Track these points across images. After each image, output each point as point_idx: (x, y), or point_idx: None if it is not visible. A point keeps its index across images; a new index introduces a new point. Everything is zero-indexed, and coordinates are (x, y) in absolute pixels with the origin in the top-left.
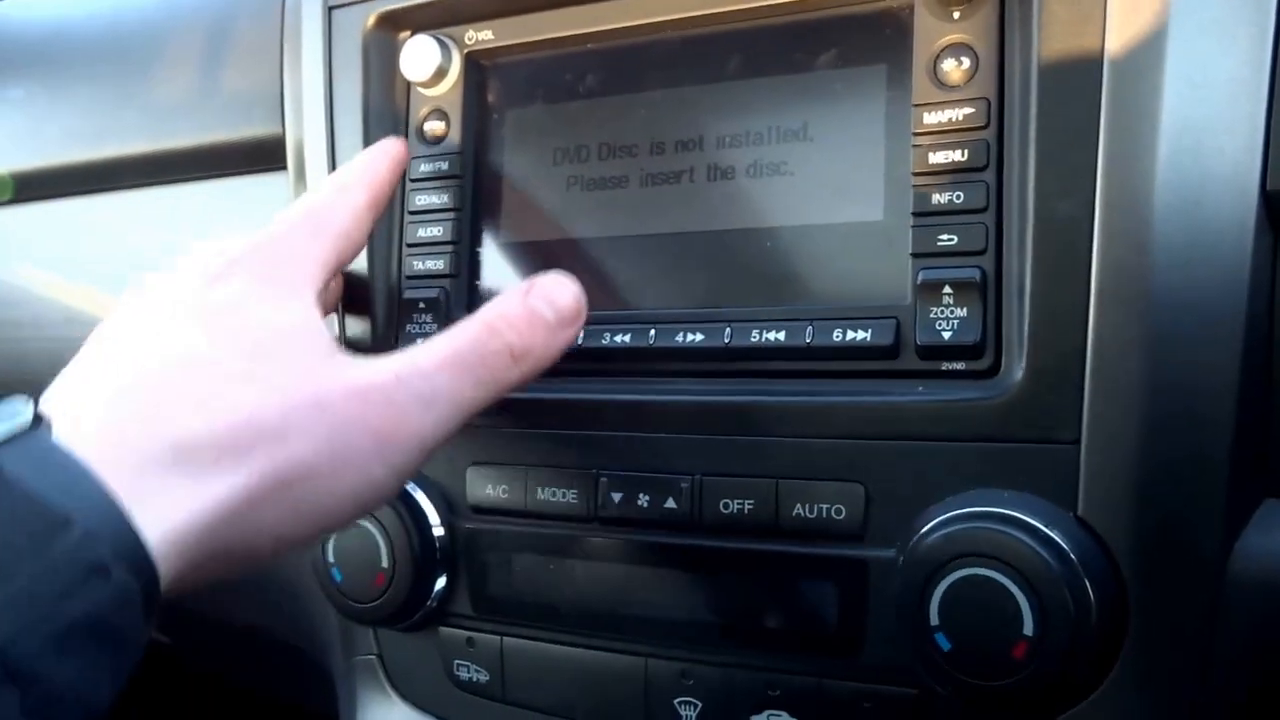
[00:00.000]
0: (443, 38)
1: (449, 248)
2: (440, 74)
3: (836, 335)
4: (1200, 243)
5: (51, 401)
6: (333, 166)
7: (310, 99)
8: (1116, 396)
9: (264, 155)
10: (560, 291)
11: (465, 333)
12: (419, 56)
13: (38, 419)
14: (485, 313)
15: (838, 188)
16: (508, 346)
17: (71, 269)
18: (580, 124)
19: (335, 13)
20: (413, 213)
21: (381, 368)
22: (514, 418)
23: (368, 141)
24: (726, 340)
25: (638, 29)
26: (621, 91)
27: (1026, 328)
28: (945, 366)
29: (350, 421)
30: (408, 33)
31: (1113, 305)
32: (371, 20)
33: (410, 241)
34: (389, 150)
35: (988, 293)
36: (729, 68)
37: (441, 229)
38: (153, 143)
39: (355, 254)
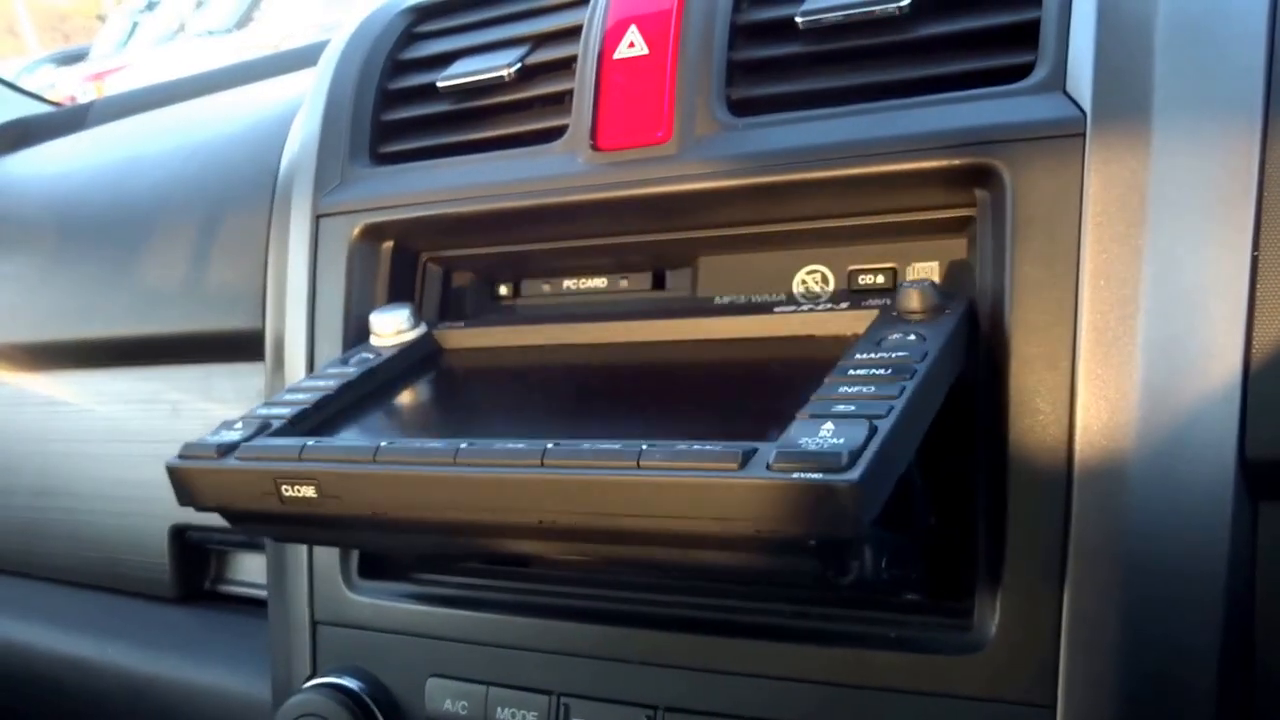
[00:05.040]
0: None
1: None
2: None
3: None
4: (1178, 509)
5: None
6: (311, 362)
7: (293, 298)
8: (1093, 661)
9: (242, 347)
10: None
11: None
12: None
13: None
14: None
15: None
16: None
17: (46, 442)
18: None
19: (323, 220)
20: None
21: None
22: (478, 629)
23: (347, 341)
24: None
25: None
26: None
27: (1001, 585)
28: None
29: None
30: (390, 243)
31: (1090, 567)
32: (357, 230)
33: None
34: None
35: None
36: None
37: None
38: (137, 327)
39: None
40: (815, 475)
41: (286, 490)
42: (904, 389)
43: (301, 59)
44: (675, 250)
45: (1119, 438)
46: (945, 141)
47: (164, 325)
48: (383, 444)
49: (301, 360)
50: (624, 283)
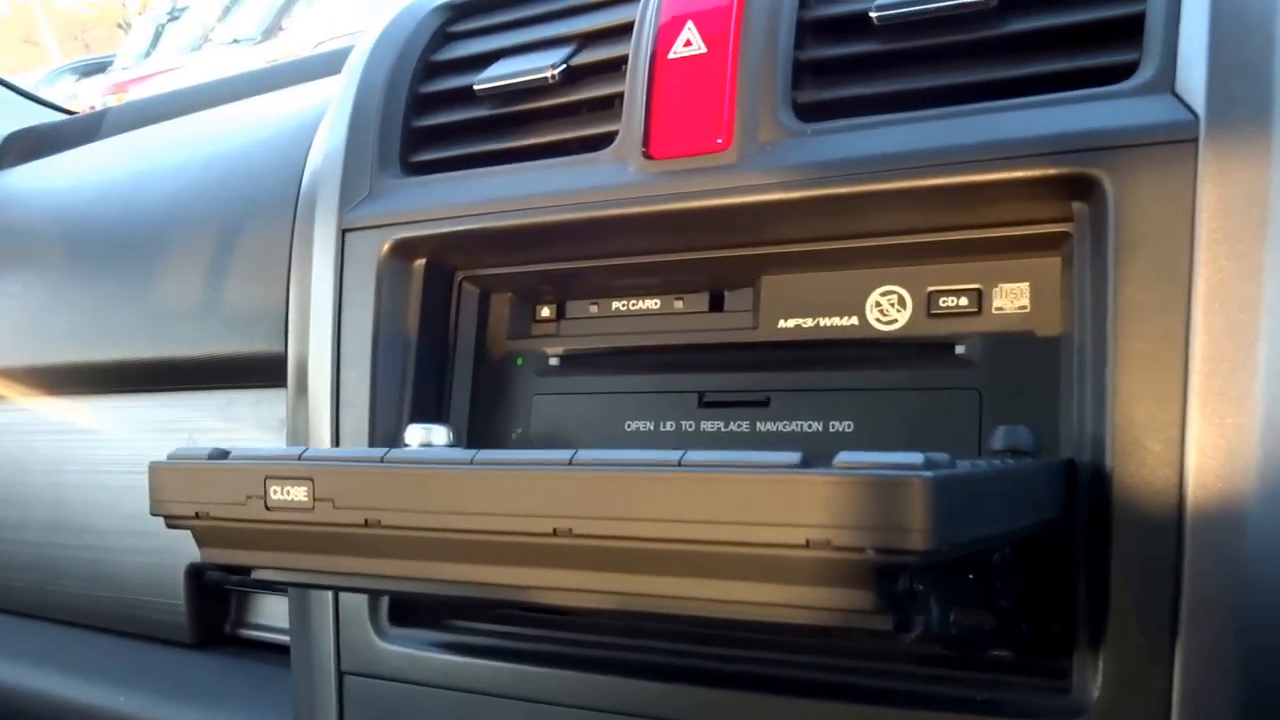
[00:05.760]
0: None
1: None
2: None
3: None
4: None
5: None
6: (337, 387)
7: (318, 320)
8: None
9: (264, 372)
10: None
11: None
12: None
13: None
14: None
15: None
16: None
17: (59, 472)
18: None
19: (350, 236)
20: None
21: None
22: (519, 683)
23: (375, 365)
24: None
25: None
26: None
27: (1104, 643)
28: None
29: None
30: (422, 260)
31: (1204, 623)
32: (387, 246)
33: None
34: None
35: None
36: None
37: None
38: (151, 350)
39: None
40: (884, 472)
41: (275, 492)
42: (993, 464)
43: (327, 65)
44: (735, 268)
45: (1236, 479)
46: (1039, 149)
47: (180, 348)
48: (391, 451)
49: (326, 386)
50: (678, 304)
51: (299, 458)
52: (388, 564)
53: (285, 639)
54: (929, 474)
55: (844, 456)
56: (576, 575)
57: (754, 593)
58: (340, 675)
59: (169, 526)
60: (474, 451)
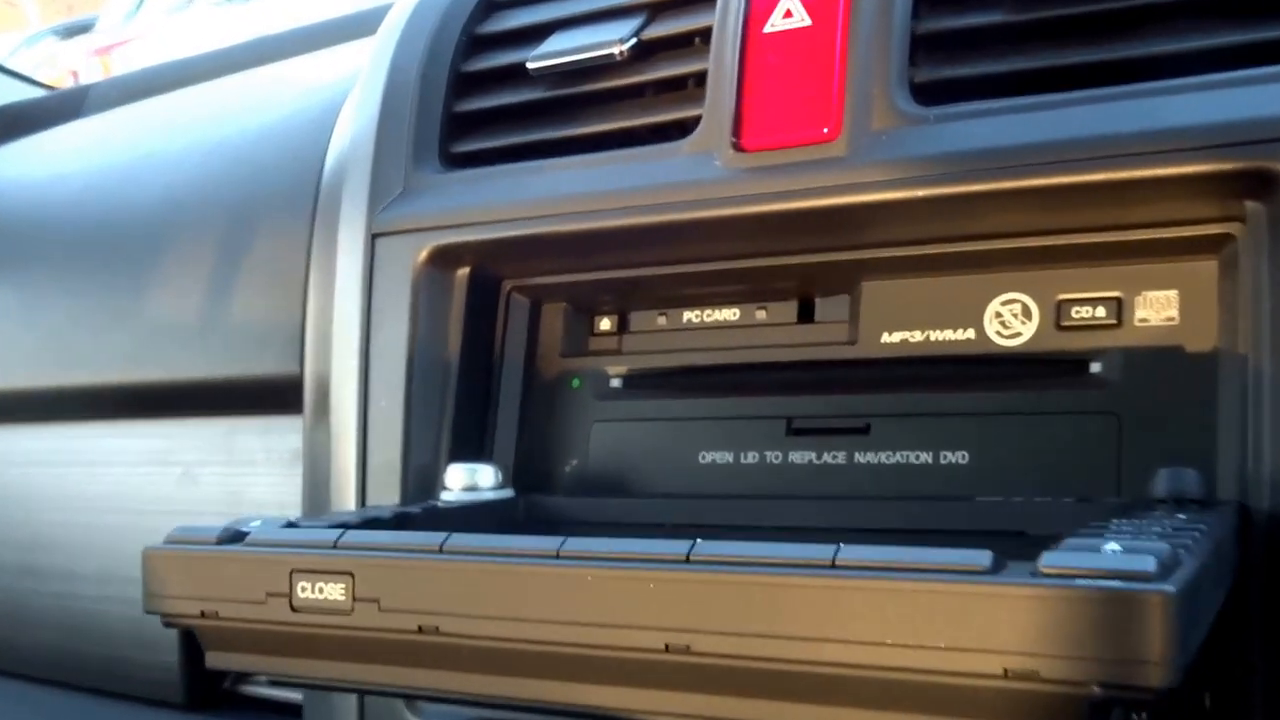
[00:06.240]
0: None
1: None
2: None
3: None
4: None
5: None
6: (364, 415)
7: (342, 337)
8: None
9: (275, 397)
10: None
11: None
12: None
13: None
14: None
15: None
16: None
17: (34, 510)
18: None
19: (380, 241)
20: None
21: None
22: None
23: (410, 390)
24: None
25: None
26: None
27: None
28: None
29: None
30: (466, 269)
31: None
32: (424, 253)
33: None
34: None
35: None
36: None
37: None
38: (142, 372)
39: None
40: (1111, 583)
41: (304, 589)
42: (1197, 536)
43: (353, 28)
44: (829, 273)
45: None
46: (1207, 139)
47: (176, 369)
48: (453, 537)
49: (352, 416)
50: (761, 314)
51: (334, 545)
52: (444, 677)
53: (296, 697)
54: (1170, 588)
55: (1049, 560)
56: (693, 699)
57: None
58: None
59: (166, 626)
60: (560, 540)
